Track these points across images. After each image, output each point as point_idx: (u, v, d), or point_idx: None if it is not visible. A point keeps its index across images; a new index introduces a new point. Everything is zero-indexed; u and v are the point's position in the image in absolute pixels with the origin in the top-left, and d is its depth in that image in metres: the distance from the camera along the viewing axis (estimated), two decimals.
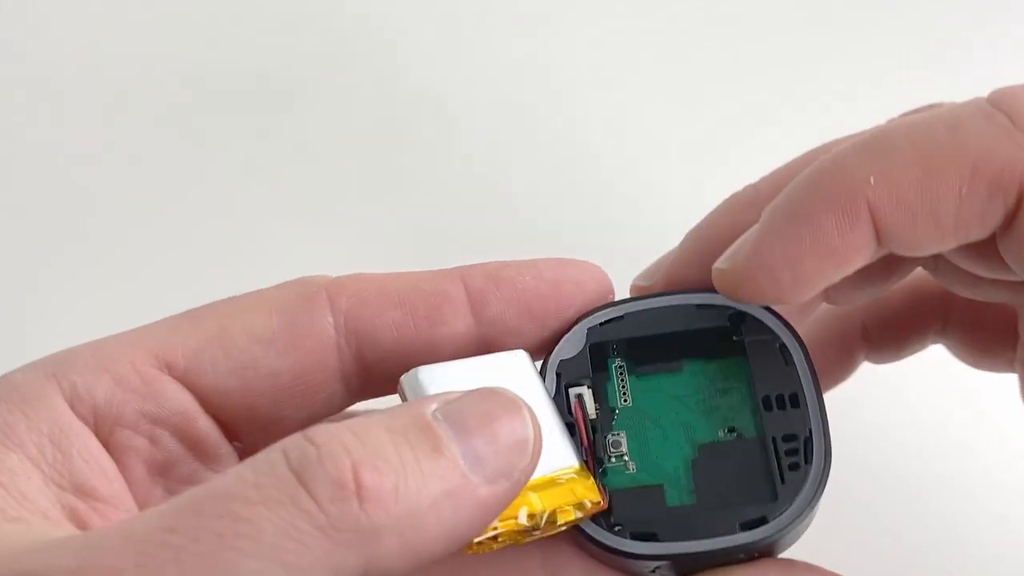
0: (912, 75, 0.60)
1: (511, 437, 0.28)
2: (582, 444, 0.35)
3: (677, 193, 0.56)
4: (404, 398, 0.32)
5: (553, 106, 0.61)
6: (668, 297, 0.36)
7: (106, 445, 0.32)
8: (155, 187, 0.59)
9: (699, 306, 0.36)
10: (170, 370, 0.33)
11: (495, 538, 0.29)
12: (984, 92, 0.32)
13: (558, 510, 0.32)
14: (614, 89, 0.61)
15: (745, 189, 0.37)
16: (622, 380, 0.36)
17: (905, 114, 0.35)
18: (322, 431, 0.26)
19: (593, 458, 0.35)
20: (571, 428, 0.35)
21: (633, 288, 0.38)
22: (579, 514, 0.33)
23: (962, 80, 0.59)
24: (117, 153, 0.60)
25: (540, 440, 0.29)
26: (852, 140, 0.31)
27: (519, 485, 0.28)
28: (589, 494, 0.33)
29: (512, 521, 0.30)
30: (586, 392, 0.36)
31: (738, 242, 0.33)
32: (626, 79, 0.61)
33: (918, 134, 0.30)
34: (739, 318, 0.36)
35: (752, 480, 0.35)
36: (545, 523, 0.31)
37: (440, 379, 0.32)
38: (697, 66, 0.62)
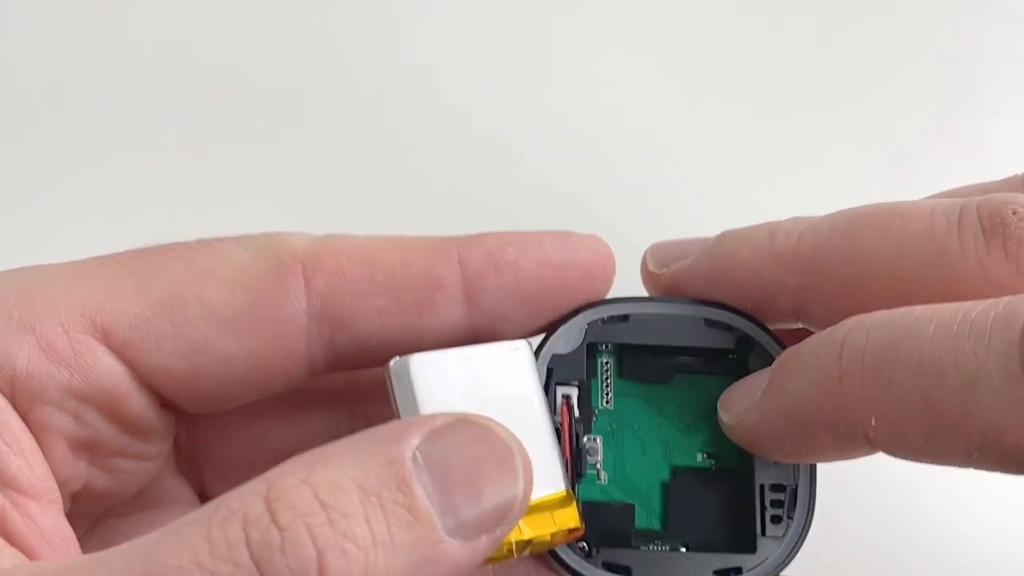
0: (918, 76, 0.59)
1: (497, 497, 0.26)
2: (565, 454, 0.33)
3: (685, 190, 0.56)
4: (390, 387, 0.29)
5: (565, 108, 0.59)
6: (678, 305, 0.34)
7: (24, 419, 0.28)
8: (154, 187, 0.58)
9: (709, 322, 0.34)
10: (106, 339, 0.28)
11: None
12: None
13: (536, 540, 0.30)
14: (621, 86, 0.59)
15: (785, 239, 0.33)
16: (607, 380, 0.35)
17: (933, 196, 0.34)
18: (288, 503, 0.23)
19: (574, 471, 0.33)
20: (556, 431, 0.33)
21: (648, 259, 0.36)
22: (557, 541, 0.31)
23: (969, 85, 0.58)
24: (119, 146, 0.59)
25: (529, 492, 0.27)
26: (860, 338, 0.28)
27: (500, 540, 0.26)
28: (570, 522, 0.31)
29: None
30: (573, 391, 0.34)
31: (744, 400, 0.32)
32: (633, 75, 0.59)
33: (927, 383, 0.27)
34: (747, 343, 0.34)
35: (728, 523, 0.34)
36: (518, 550, 0.30)
37: (433, 374, 0.29)
38: (707, 63, 0.59)
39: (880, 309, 0.29)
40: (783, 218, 0.34)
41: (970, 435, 0.26)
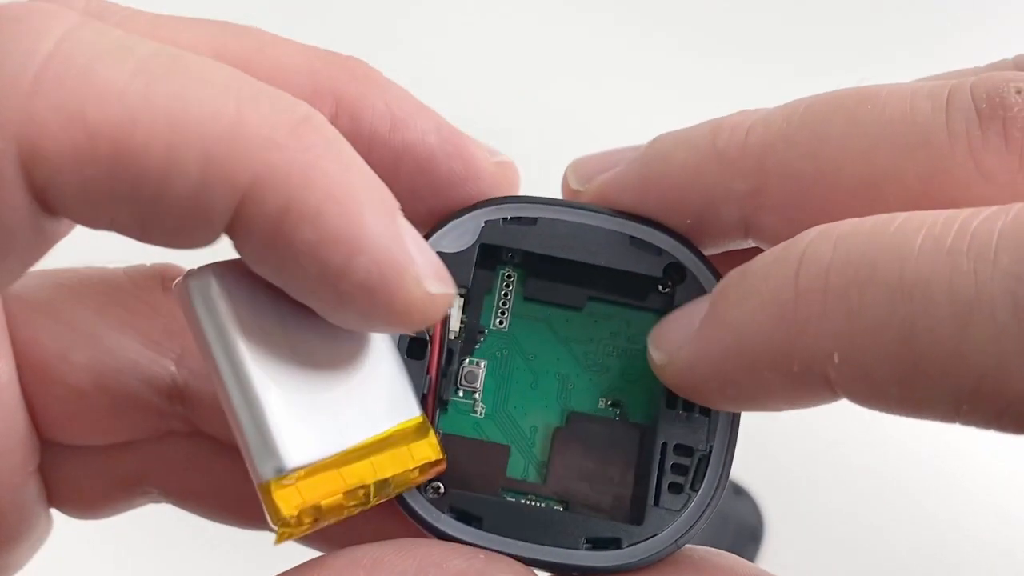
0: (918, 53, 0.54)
1: None
2: (428, 371, 0.27)
3: None
4: (186, 312, 0.24)
5: (559, 97, 0.55)
6: (600, 215, 0.28)
7: None
8: None
9: (635, 240, 0.28)
10: None
11: (316, 518, 0.24)
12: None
13: (393, 479, 0.25)
14: (611, 74, 0.55)
15: (731, 133, 0.27)
16: (505, 295, 0.29)
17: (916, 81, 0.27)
18: None
19: (435, 397, 0.27)
20: (420, 346, 0.27)
21: (568, 175, 0.30)
22: (417, 478, 0.26)
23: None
24: None
25: None
26: (824, 251, 0.23)
27: None
28: (429, 453, 0.26)
29: (339, 497, 0.24)
30: (457, 302, 0.28)
31: (680, 333, 0.26)
32: (623, 63, 0.55)
33: (908, 310, 0.22)
34: (677, 272, 0.28)
35: (618, 485, 0.28)
36: (376, 494, 0.25)
37: (236, 290, 0.24)
38: (698, 48, 0.55)
39: (848, 218, 0.24)
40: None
41: (960, 380, 0.21)
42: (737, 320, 0.24)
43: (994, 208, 0.22)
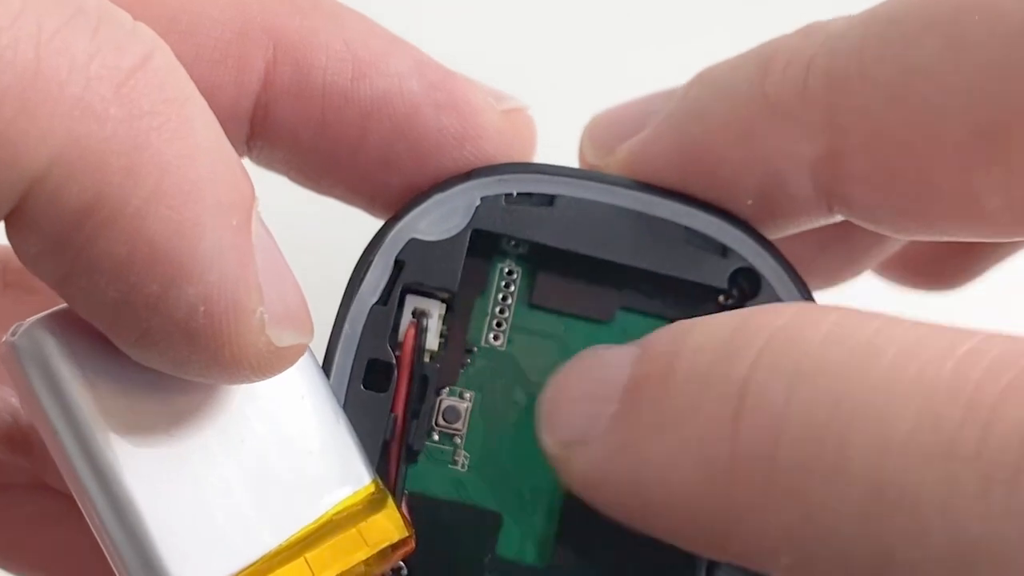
0: None
1: None
2: (393, 408, 0.20)
3: None
4: (22, 389, 0.17)
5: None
6: (644, 196, 0.20)
7: None
8: None
9: (693, 233, 0.20)
10: None
11: None
12: None
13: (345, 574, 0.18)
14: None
15: (785, 71, 0.20)
16: (504, 300, 0.21)
17: None
18: None
19: (402, 445, 0.20)
20: (383, 373, 0.20)
21: (584, 144, 0.22)
22: (373, 569, 0.19)
23: None
24: None
25: None
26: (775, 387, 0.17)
27: None
28: (389, 532, 0.19)
29: None
30: (435, 309, 0.20)
31: (580, 419, 0.19)
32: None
33: (887, 545, 0.16)
34: (750, 281, 0.21)
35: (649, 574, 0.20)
36: None
37: (99, 378, 0.17)
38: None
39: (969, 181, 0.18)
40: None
41: None
42: (654, 457, 0.18)
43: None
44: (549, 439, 0.19)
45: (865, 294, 0.29)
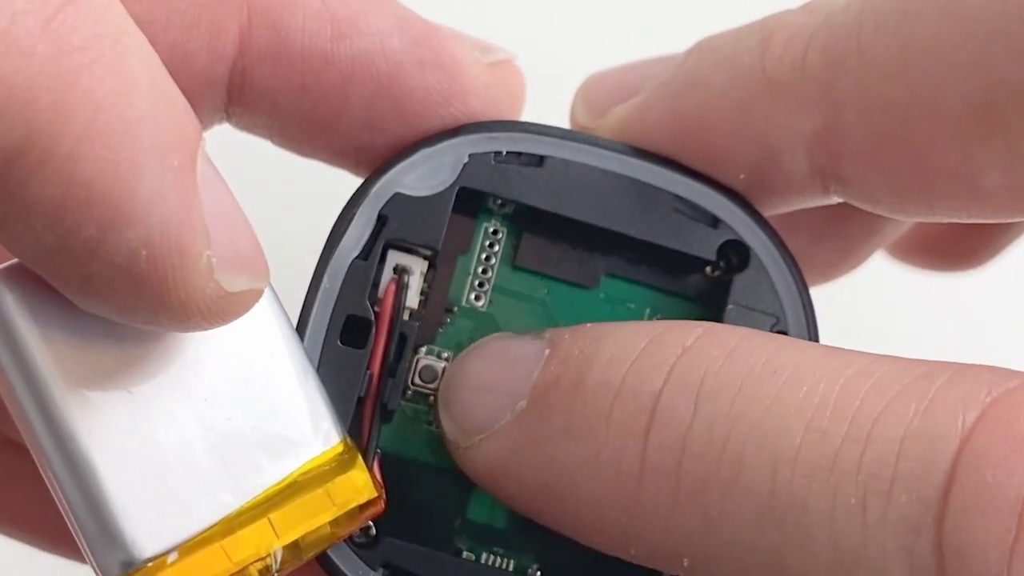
0: None
1: None
2: (369, 366, 0.19)
3: None
4: None
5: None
6: (635, 162, 0.20)
7: None
8: None
9: (682, 201, 0.20)
10: None
11: None
12: None
13: (305, 539, 0.18)
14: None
15: (786, 47, 0.20)
16: (488, 261, 0.21)
17: None
18: None
19: (376, 403, 0.19)
20: (360, 329, 0.19)
21: (576, 104, 0.22)
22: (341, 530, 0.18)
23: None
24: None
25: None
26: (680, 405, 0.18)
27: None
28: (359, 491, 0.18)
29: None
30: (417, 266, 0.20)
31: (486, 411, 0.19)
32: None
33: (778, 553, 0.17)
34: (738, 254, 0.20)
35: None
36: (283, 565, 0.18)
37: (54, 332, 0.17)
38: None
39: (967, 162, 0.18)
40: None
41: None
42: (564, 461, 0.18)
43: (913, 385, 0.16)
44: (450, 426, 0.19)
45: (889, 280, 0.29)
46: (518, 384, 0.19)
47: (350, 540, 0.19)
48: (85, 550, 0.17)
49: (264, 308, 0.18)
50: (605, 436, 0.18)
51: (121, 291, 0.15)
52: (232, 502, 0.17)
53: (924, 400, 0.16)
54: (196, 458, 0.17)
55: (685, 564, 0.17)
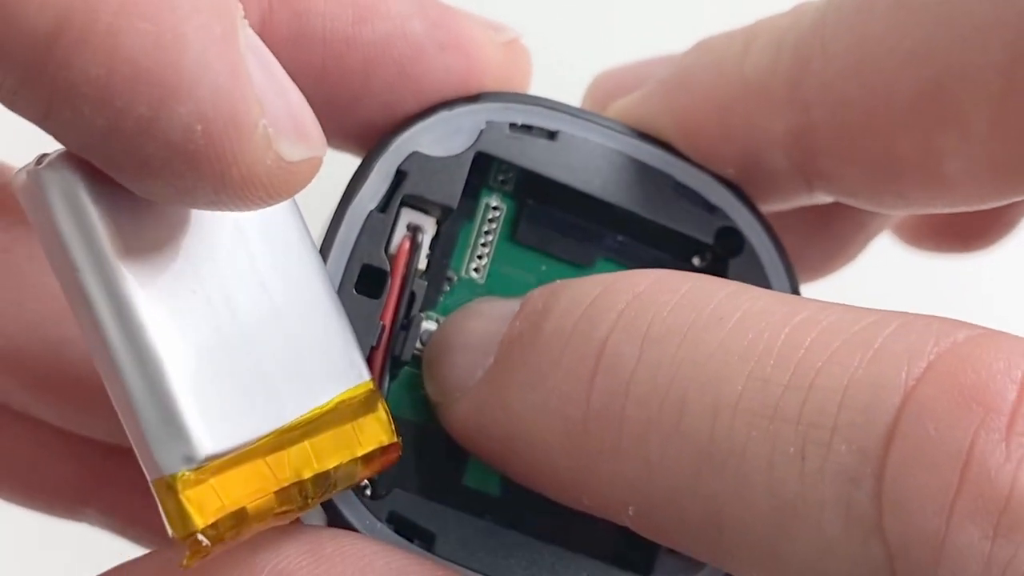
0: None
1: None
2: (382, 316, 0.19)
3: None
4: (34, 216, 0.16)
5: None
6: (643, 143, 0.21)
7: None
8: None
9: (681, 187, 0.21)
10: None
11: (237, 530, 0.16)
12: None
13: (336, 471, 0.18)
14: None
15: (762, 50, 0.20)
16: (488, 235, 0.21)
17: None
18: None
19: (387, 355, 0.19)
20: (376, 280, 0.19)
21: (588, 92, 0.23)
22: (362, 471, 0.18)
23: None
24: None
25: None
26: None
27: None
28: (379, 434, 0.18)
29: (269, 498, 0.17)
30: (429, 226, 0.20)
31: (460, 371, 0.20)
32: None
33: (717, 501, 0.17)
34: (733, 240, 0.21)
35: None
36: (315, 493, 0.17)
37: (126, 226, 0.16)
38: None
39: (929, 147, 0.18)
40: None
41: None
42: (520, 410, 0.18)
43: (859, 334, 0.16)
44: (432, 386, 0.19)
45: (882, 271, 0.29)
46: (489, 343, 0.19)
47: (356, 490, 0.19)
48: (143, 444, 0.16)
49: (303, 237, 0.18)
50: (554, 383, 0.17)
51: (180, 171, 0.15)
52: (278, 419, 0.17)
53: (870, 350, 0.16)
54: (246, 369, 0.17)
55: (631, 512, 0.17)
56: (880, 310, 0.16)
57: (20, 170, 0.16)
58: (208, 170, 0.15)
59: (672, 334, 0.17)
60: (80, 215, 0.16)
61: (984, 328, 0.16)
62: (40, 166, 0.16)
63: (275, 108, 0.15)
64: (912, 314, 0.16)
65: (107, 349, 0.16)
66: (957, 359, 0.15)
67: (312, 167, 0.16)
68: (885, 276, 0.30)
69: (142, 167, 0.15)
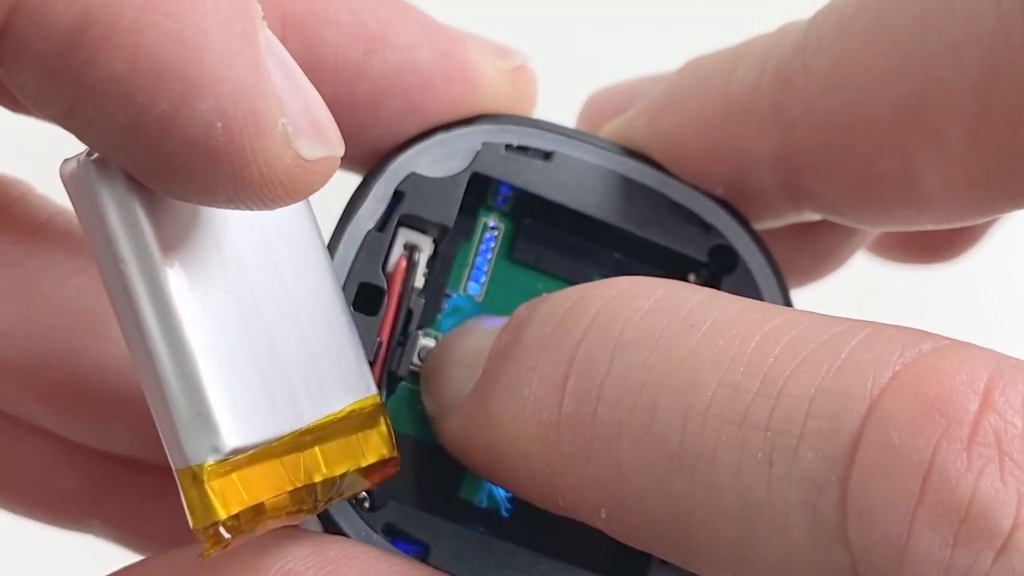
0: None
1: None
2: (379, 333, 0.20)
3: None
4: (79, 206, 0.17)
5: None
6: (638, 163, 0.21)
7: None
8: None
9: (676, 206, 0.21)
10: None
11: (255, 524, 0.17)
12: None
13: (344, 479, 0.18)
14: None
15: (746, 72, 0.21)
16: (486, 254, 0.21)
17: None
18: None
19: (384, 371, 0.20)
20: (374, 297, 0.20)
21: (581, 112, 0.23)
22: (364, 481, 0.19)
23: None
24: None
25: None
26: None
27: None
28: (380, 448, 0.19)
29: (284, 497, 0.17)
30: (425, 245, 0.20)
31: (453, 385, 0.20)
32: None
33: (686, 503, 0.17)
34: (727, 258, 0.21)
35: None
36: (323, 498, 0.18)
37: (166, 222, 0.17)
38: None
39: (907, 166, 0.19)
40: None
41: None
42: (500, 419, 0.18)
43: (828, 343, 0.16)
44: (428, 402, 0.20)
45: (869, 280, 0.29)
46: (480, 358, 0.19)
47: (353, 501, 0.19)
48: (172, 433, 0.16)
49: (319, 246, 0.18)
50: (530, 389, 0.18)
51: (200, 168, 0.15)
52: (296, 421, 0.17)
53: (837, 359, 0.16)
54: (270, 369, 0.17)
55: (603, 515, 0.17)
56: (850, 319, 0.17)
57: (68, 160, 0.16)
58: (227, 167, 0.15)
59: (644, 339, 0.17)
60: (126, 207, 0.16)
61: (949, 339, 0.16)
62: (90, 158, 0.16)
63: (294, 107, 0.16)
64: (881, 324, 0.16)
65: (145, 339, 0.16)
66: (922, 370, 0.15)
67: (330, 166, 0.16)
68: (872, 281, 0.31)
69: (163, 164, 0.15)
